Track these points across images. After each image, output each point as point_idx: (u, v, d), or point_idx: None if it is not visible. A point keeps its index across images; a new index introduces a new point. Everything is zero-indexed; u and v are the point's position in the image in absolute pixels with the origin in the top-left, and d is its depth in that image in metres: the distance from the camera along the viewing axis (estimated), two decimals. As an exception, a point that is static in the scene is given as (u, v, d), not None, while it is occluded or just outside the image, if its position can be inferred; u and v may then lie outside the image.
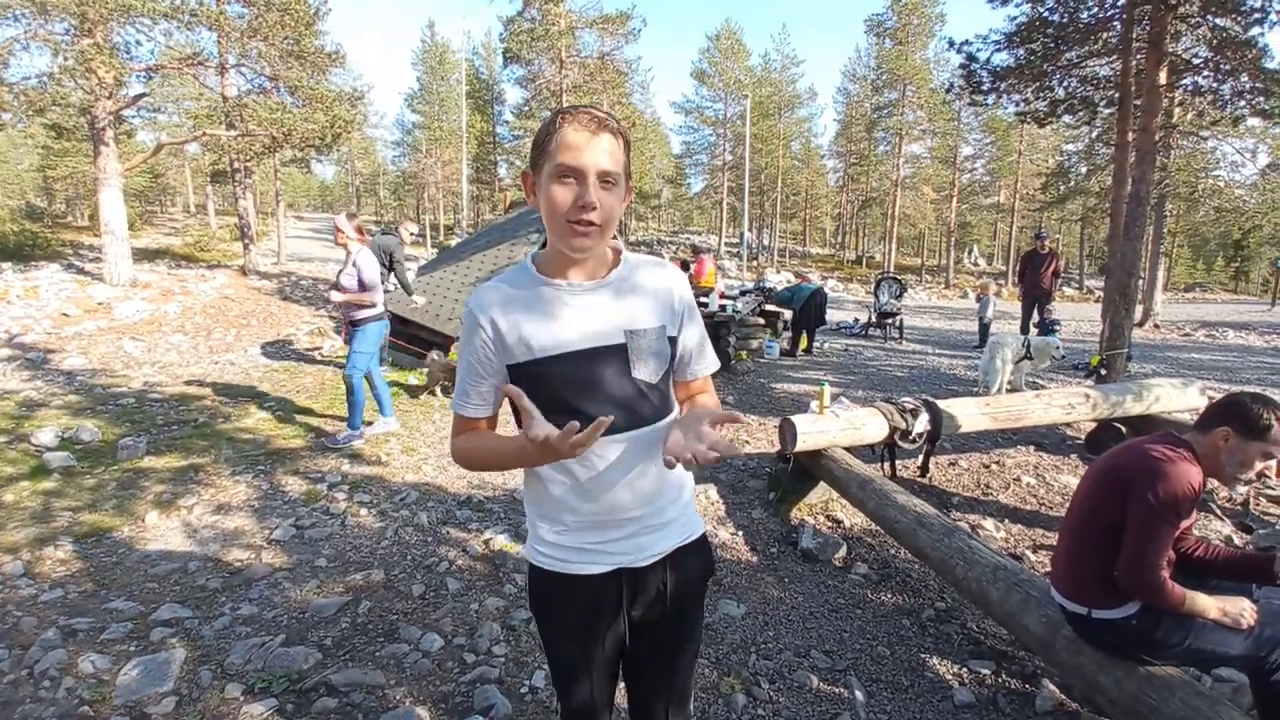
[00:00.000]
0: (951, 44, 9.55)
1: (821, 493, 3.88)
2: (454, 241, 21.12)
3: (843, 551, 3.33)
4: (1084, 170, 24.01)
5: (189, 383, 6.77)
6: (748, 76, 37.42)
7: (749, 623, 2.74)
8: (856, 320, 13.00)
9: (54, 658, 2.29)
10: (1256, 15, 7.72)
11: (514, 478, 4.40)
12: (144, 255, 15.75)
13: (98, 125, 11.37)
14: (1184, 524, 1.83)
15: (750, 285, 12.65)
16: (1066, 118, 10.62)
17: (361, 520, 3.64)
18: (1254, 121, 12.59)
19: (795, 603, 2.92)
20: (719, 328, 7.83)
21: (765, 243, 41.90)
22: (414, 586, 2.91)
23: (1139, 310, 14.00)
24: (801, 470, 3.81)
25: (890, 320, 11.46)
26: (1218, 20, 8.19)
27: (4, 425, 4.97)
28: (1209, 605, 1.78)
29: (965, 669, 2.47)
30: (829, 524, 3.74)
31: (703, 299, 8.38)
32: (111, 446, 4.61)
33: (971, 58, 9.15)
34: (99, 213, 12.21)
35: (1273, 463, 1.78)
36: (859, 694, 2.31)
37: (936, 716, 2.22)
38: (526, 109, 31.54)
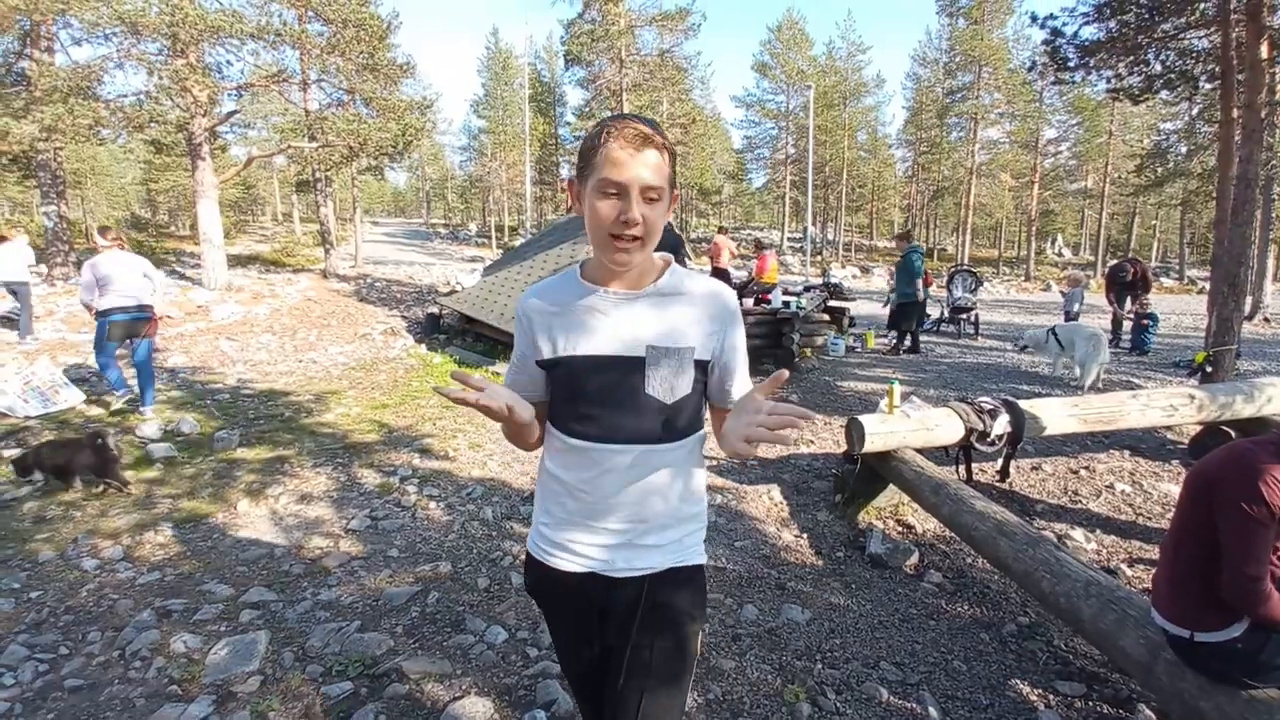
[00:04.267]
0: (1034, 19, 9.00)
1: (890, 496, 3.73)
2: (518, 242, 21.63)
3: (914, 558, 3.19)
4: (1184, 150, 22.10)
5: (277, 380, 7.21)
6: (811, 67, 36.47)
7: (814, 629, 2.66)
8: (928, 316, 12.45)
9: (147, 638, 2.47)
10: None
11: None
12: (237, 261, 16.91)
13: (194, 141, 12.27)
14: None
15: (815, 281, 12.32)
16: (1164, 94, 9.80)
17: (430, 513, 3.76)
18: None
19: (863, 610, 2.81)
20: (781, 325, 7.66)
21: (829, 237, 40.78)
22: (479, 579, 2.98)
23: (1248, 302, 12.73)
24: (869, 472, 3.67)
25: (964, 315, 10.90)
26: (1322, -11, 7.37)
27: (113, 419, 5.44)
28: (1323, 624, 1.59)
29: (1051, 691, 2.30)
30: (899, 529, 3.58)
31: (765, 295, 8.23)
32: (209, 439, 4.96)
33: (1057, 32, 8.59)
34: (197, 222, 13.19)
35: None
36: (933, 710, 2.19)
37: (1019, 739, 2.09)
38: (587, 109, 31.91)
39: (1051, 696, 2.28)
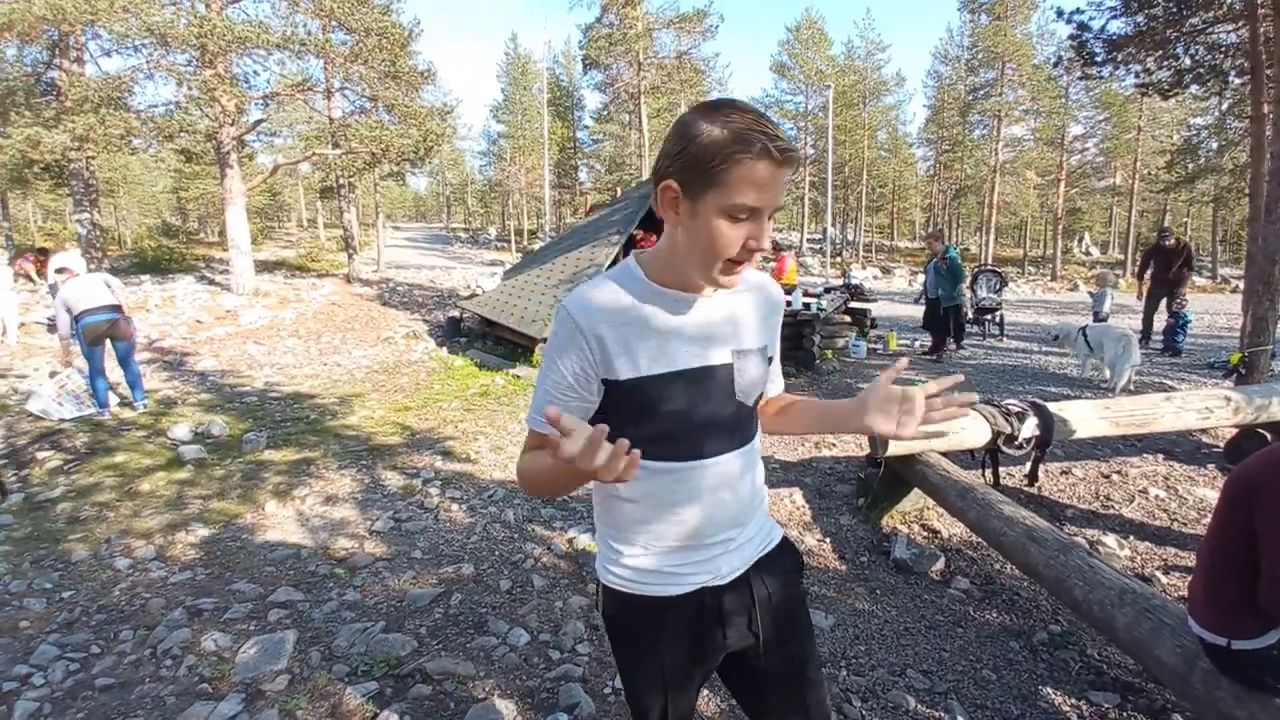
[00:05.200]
0: (1060, 14, 8.85)
1: (915, 500, 3.67)
2: (537, 245, 21.78)
3: (940, 564, 3.13)
4: (1215, 146, 21.53)
5: (302, 383, 7.33)
6: (830, 66, 36.20)
7: (838, 635, 2.63)
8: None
9: (178, 637, 2.52)
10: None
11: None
12: (264, 267, 17.25)
13: (223, 149, 12.55)
14: None
15: (835, 283, 12.21)
16: (1194, 88, 9.56)
17: (453, 515, 3.79)
18: None
19: (888, 616, 2.77)
20: (802, 326, 7.60)
21: (849, 238, 40.40)
22: (501, 581, 3.00)
23: (1287, 301, 12.34)
24: (893, 476, 3.62)
25: (989, 316, 10.71)
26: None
27: (145, 421, 5.57)
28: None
29: (1085, 701, 2.25)
30: (924, 534, 3.53)
31: (785, 297, 8.18)
32: (237, 440, 5.06)
33: (1083, 27, 8.44)
34: (226, 229, 13.48)
35: None
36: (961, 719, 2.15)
37: (1051, 749, 2.04)
38: (605, 113, 32.06)
39: (1085, 706, 2.22)
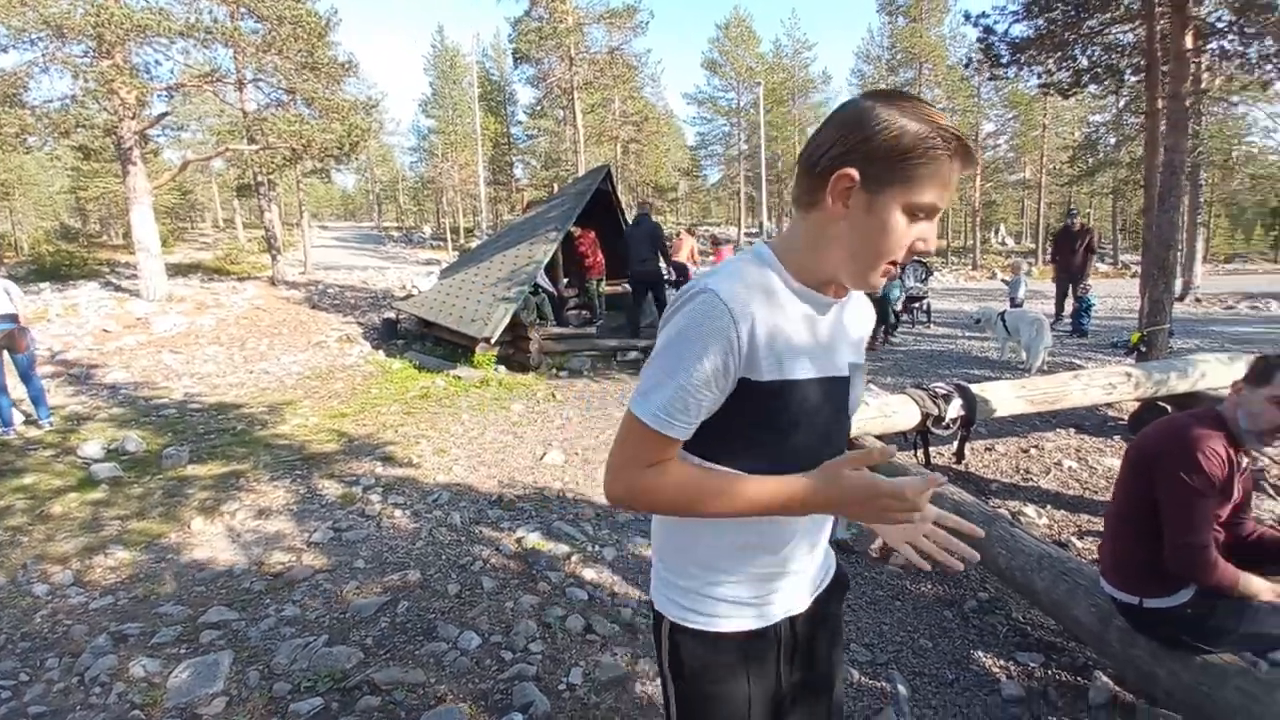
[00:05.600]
0: (967, 17, 9.33)
1: (854, 482, 3.82)
2: (474, 243, 21.32)
3: (879, 542, 3.28)
4: (1113, 141, 23.24)
5: (226, 392, 6.94)
6: (759, 64, 37.01)
7: (786, 616, 2.72)
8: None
9: (104, 664, 2.36)
10: (1278, -23, 7.40)
11: (543, 478, 4.43)
12: (177, 270, 16.17)
13: (124, 145, 11.66)
14: (1230, 501, 1.76)
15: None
16: (1092, 88, 10.27)
17: (396, 522, 3.68)
18: (1287, 84, 12.08)
19: (832, 594, 2.88)
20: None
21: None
22: (450, 586, 2.94)
23: (1179, 284, 13.48)
24: (833, 460, 3.76)
25: (917, 304, 11.25)
26: (1239, -17, 7.87)
27: (53, 439, 5.15)
28: (1264, 588, 1.71)
29: (1012, 661, 2.41)
30: (863, 514, 3.68)
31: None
32: (156, 456, 4.74)
33: (989, 30, 8.91)
34: (132, 231, 12.55)
35: None
36: (902, 688, 2.27)
37: (984, 711, 2.17)
38: (539, 108, 31.67)
39: (1012, 666, 2.38)
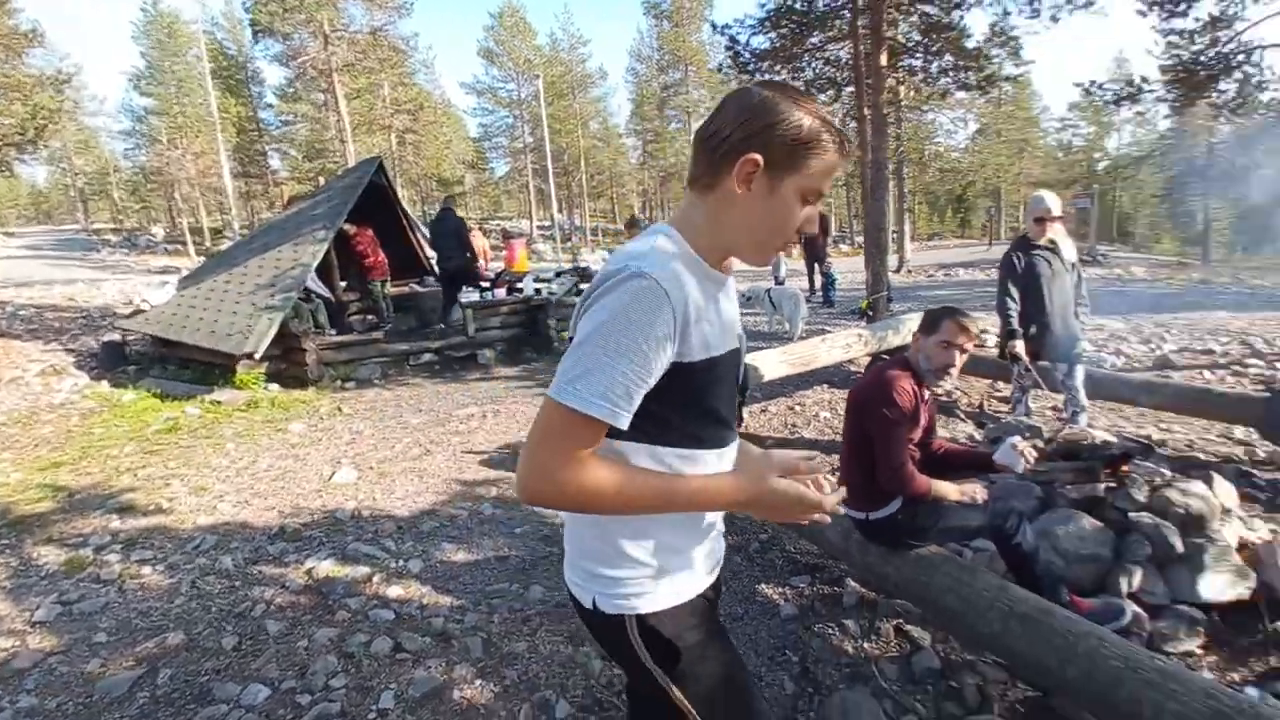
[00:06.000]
0: (714, 27, 10.32)
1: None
2: (224, 245, 18.41)
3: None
4: (841, 140, 27.51)
5: None
6: (537, 56, 37.08)
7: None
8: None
9: None
10: (955, 1, 9.37)
11: (334, 499, 4.05)
12: None
13: None
14: (919, 426, 2.24)
15: (566, 266, 12.73)
16: (822, 96, 12.06)
17: (145, 581, 3.11)
18: (963, 95, 15.38)
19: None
20: (536, 311, 7.81)
21: (577, 223, 42.35)
22: (225, 639, 2.57)
23: (895, 259, 16.56)
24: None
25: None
26: (925, 7, 9.83)
27: None
28: (949, 489, 2.21)
29: (788, 587, 2.80)
30: (662, 484, 3.97)
31: (517, 285, 8.29)
32: None
33: (734, 40, 9.96)
34: None
35: (957, 355, 2.22)
36: (703, 631, 2.52)
37: (769, 633, 2.51)
38: (292, 90, 28.28)
39: (789, 590, 2.78)
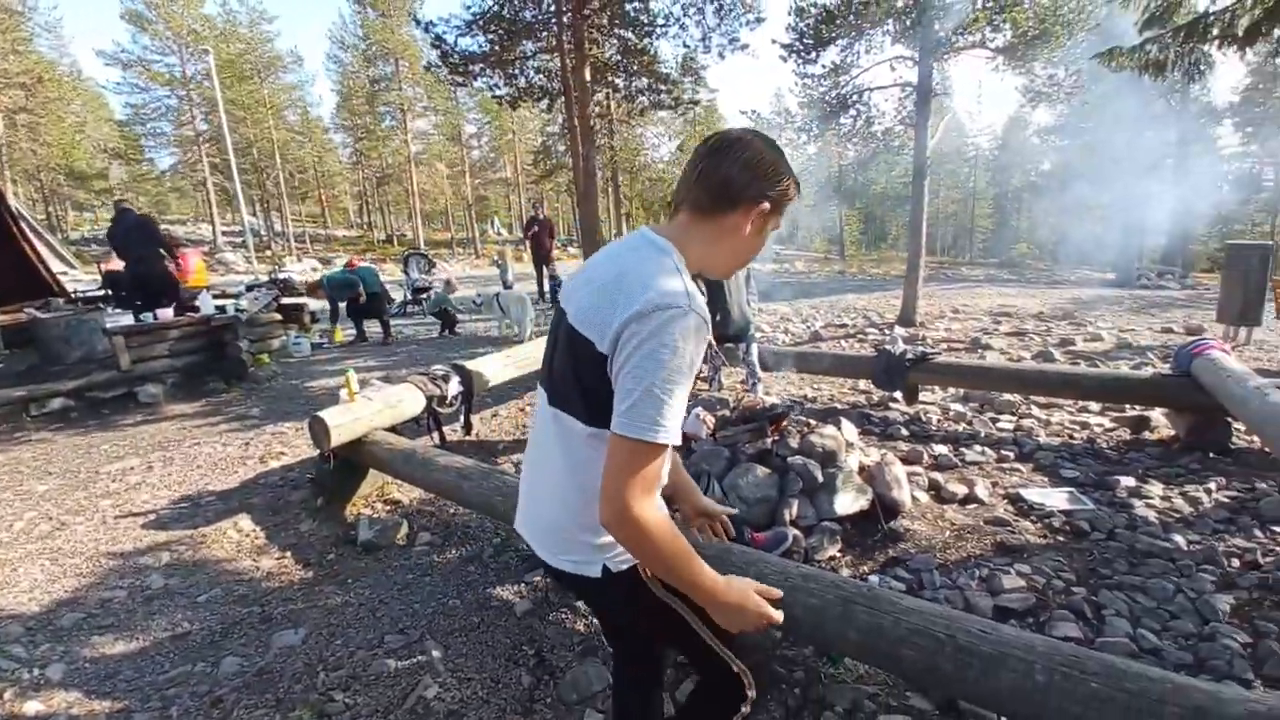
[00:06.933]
0: (418, 23, 9.94)
1: (374, 480, 3.78)
2: None
3: (404, 529, 3.35)
4: (562, 148, 28.79)
5: None
6: (205, 27, 31.13)
7: (312, 642, 2.52)
8: (393, 300, 12.80)
9: None
10: (648, 29, 10.43)
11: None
12: None
13: None
14: None
15: (263, 279, 11.04)
16: (541, 105, 12.39)
17: None
18: (664, 113, 17.22)
19: (363, 599, 2.81)
20: (223, 332, 6.60)
21: (277, 229, 36.87)
22: None
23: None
24: (346, 465, 3.62)
25: (425, 295, 11.70)
26: (623, 32, 10.76)
27: None
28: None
29: (523, 584, 2.83)
30: (388, 508, 3.69)
31: (193, 302, 6.92)
32: None
33: (440, 39, 9.71)
34: None
35: None
36: (435, 652, 2.40)
37: (505, 634, 2.50)
38: None
39: (524, 588, 2.80)
